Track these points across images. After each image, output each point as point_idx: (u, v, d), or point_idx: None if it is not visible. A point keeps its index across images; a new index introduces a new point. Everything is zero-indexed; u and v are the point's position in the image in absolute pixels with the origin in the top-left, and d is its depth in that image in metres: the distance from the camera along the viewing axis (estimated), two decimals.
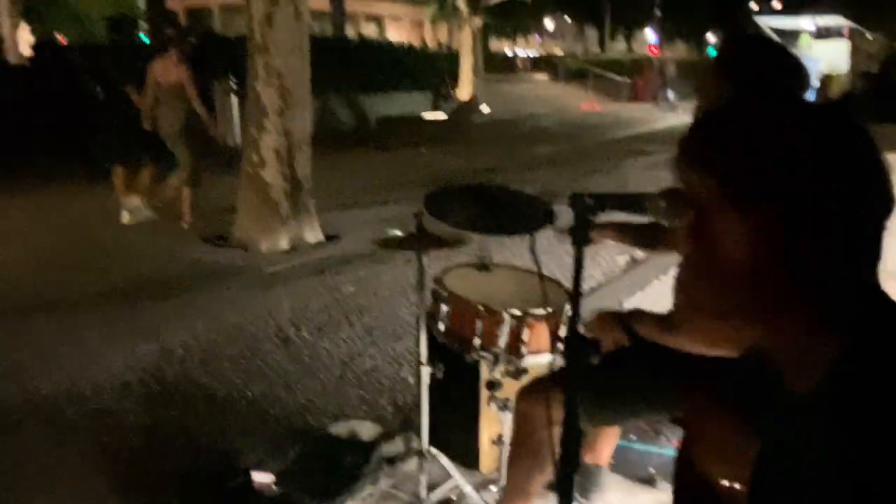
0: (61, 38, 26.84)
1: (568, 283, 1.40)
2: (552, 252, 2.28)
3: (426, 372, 2.40)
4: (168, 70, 7.05)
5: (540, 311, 2.28)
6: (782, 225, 0.84)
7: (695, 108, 2.05)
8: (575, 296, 1.32)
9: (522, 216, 2.58)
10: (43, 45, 14.58)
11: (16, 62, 16.26)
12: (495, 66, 31.23)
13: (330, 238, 6.88)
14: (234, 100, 13.26)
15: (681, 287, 1.12)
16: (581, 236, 1.32)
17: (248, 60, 6.54)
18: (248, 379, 3.82)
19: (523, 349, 2.29)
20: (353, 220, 7.55)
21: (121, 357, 4.12)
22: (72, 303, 5.14)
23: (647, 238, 2.23)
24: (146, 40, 27.84)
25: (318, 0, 31.60)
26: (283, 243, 6.53)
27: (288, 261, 6.22)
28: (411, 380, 3.74)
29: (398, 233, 2.35)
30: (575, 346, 1.28)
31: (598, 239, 2.34)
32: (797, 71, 1.87)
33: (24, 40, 16.71)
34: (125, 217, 7.45)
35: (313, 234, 6.78)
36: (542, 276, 1.64)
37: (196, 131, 7.41)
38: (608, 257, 6.03)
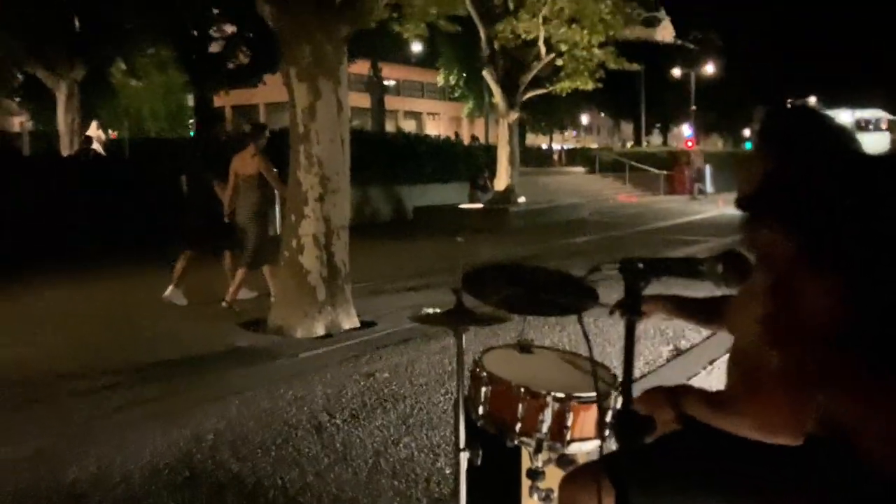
0: (112, 134, 28.09)
1: (615, 366, 1.31)
2: (597, 334, 2.18)
3: (464, 458, 2.27)
4: (245, 163, 7.48)
5: (586, 395, 2.15)
6: (875, 286, 0.76)
7: (738, 192, 1.98)
8: (627, 369, 1.23)
9: (563, 297, 2.50)
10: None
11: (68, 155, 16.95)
12: (532, 159, 31.69)
13: (366, 324, 6.83)
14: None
15: (737, 363, 1.03)
16: (632, 305, 1.24)
17: (290, 150, 6.68)
18: (278, 466, 3.70)
19: (567, 435, 2.15)
20: (390, 307, 7.51)
21: (151, 442, 4.04)
22: (107, 386, 5.11)
23: (702, 312, 2.12)
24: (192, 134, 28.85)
25: (360, 98, 32.81)
26: (319, 329, 6.49)
27: (323, 347, 6.15)
28: (448, 471, 3.59)
29: (436, 310, 2.28)
30: (628, 424, 1.18)
31: (649, 313, 2.25)
32: (843, 133, 1.80)
33: (96, 136, 17.60)
34: (171, 295, 7.85)
35: (349, 321, 6.73)
36: (592, 357, 1.55)
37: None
38: (651, 347, 5.87)
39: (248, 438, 4.09)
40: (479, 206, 18.01)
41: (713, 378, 4.97)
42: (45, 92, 20.64)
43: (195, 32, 22.98)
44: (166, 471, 3.67)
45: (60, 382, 5.25)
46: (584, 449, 2.23)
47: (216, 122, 8.81)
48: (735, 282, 1.06)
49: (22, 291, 8.75)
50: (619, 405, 2.16)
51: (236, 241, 7.68)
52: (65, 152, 17.77)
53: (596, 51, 17.08)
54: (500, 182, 18.23)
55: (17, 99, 28.66)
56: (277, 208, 13.37)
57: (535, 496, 2.23)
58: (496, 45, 17.31)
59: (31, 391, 5.06)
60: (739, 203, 1.54)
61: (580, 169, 33.34)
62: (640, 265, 1.23)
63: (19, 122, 33.28)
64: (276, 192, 7.97)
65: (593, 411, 2.20)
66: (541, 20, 16.28)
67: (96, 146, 16.73)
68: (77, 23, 18.07)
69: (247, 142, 7.67)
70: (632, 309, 1.23)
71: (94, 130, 18.38)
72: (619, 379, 2.28)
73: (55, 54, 17.72)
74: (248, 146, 7.56)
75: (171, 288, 7.85)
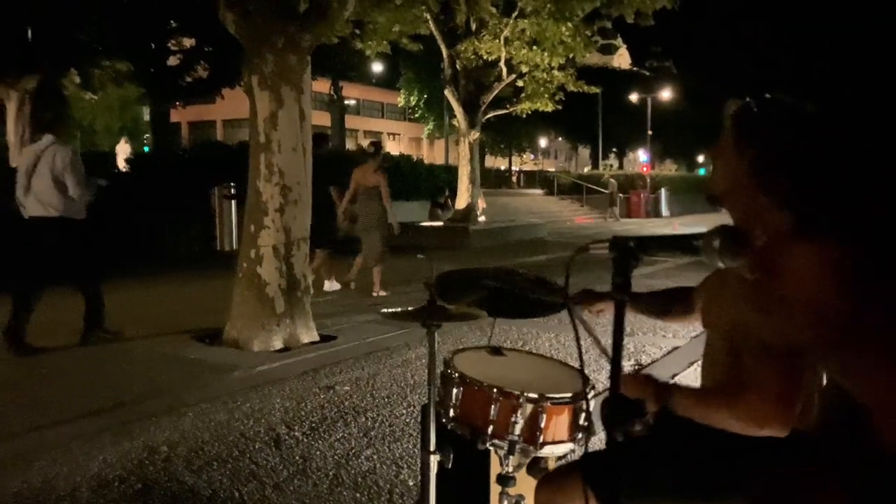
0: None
1: (592, 366, 1.26)
2: (566, 335, 2.13)
3: (434, 460, 2.19)
4: (367, 175, 8.91)
5: (560, 396, 2.10)
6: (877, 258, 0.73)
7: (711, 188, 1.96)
8: (616, 351, 1.18)
9: (535, 300, 2.46)
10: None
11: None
12: (491, 180, 31.89)
13: (326, 338, 6.70)
14: (233, 204, 13.38)
15: (713, 359, 1.00)
16: (623, 284, 1.19)
17: (250, 160, 6.56)
18: (235, 479, 3.56)
19: (540, 437, 2.10)
20: (350, 321, 7.41)
21: (100, 453, 3.87)
22: (54, 396, 4.90)
23: (664, 304, 2.10)
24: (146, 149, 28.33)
25: (321, 116, 32.70)
26: (277, 342, 6.34)
27: (281, 360, 6.00)
28: (411, 482, 3.50)
29: (402, 309, 2.20)
30: (617, 407, 1.13)
31: (606, 309, 2.22)
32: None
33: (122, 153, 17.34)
34: (329, 286, 9.32)
35: (308, 334, 6.60)
36: (578, 343, 1.50)
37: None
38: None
39: (204, 451, 3.94)
40: (440, 224, 18.00)
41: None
42: None
43: (153, 45, 22.62)
44: (117, 483, 3.50)
45: (3, 391, 5.02)
46: (557, 452, 2.18)
47: (325, 142, 9.70)
48: (732, 257, 1.02)
49: None
50: (592, 408, 2.12)
51: (335, 243, 9.16)
52: (13, 164, 17.26)
53: (556, 73, 17.29)
54: (461, 202, 18.26)
55: None
56: (234, 221, 13.23)
57: (505, 502, 2.17)
58: (458, 65, 17.42)
59: None
60: (713, 198, 1.52)
61: (538, 191, 33.66)
62: (632, 243, 1.18)
63: None
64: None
65: (566, 414, 2.15)
66: (502, 41, 16.44)
67: (121, 163, 16.45)
68: (30, 33, 17.62)
69: (367, 158, 9.17)
70: (622, 289, 1.18)
71: (122, 146, 18.08)
72: (591, 382, 2.25)
73: (6, 65, 17.25)
74: (368, 162, 9.04)
75: (326, 282, 9.26)
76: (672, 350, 6.29)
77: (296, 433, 4.25)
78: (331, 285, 9.39)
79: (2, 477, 3.57)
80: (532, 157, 62.06)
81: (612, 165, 49.66)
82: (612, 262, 1.22)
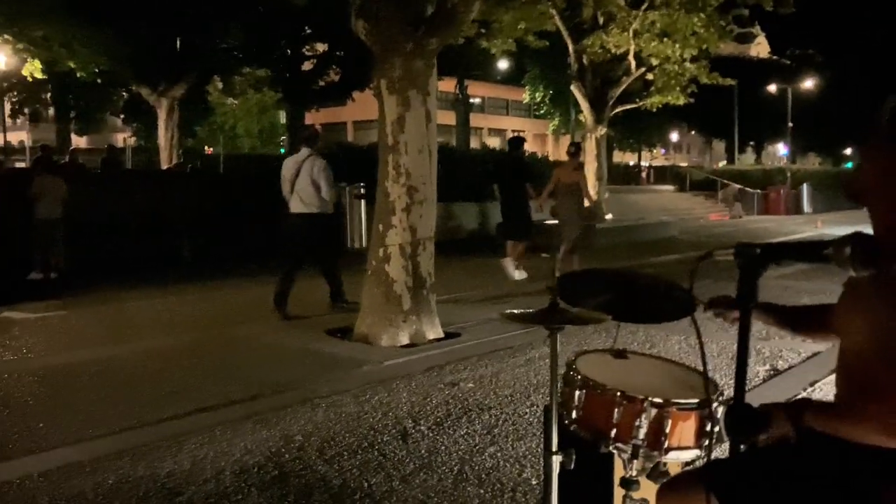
0: (208, 150, 29.27)
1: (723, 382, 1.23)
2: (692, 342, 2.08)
3: (556, 461, 2.20)
4: (568, 173, 10.16)
5: (686, 402, 2.06)
6: None
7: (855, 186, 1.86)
8: (741, 360, 1.16)
9: (661, 304, 2.41)
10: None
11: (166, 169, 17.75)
12: (619, 176, 31.21)
13: (450, 335, 6.82)
14: (363, 203, 13.82)
15: (849, 369, 0.97)
16: (749, 293, 1.16)
17: (378, 161, 6.77)
18: (364, 469, 3.71)
19: (665, 443, 2.06)
20: (474, 319, 7.48)
21: (241, 440, 4.13)
22: (201, 386, 5.27)
23: (803, 320, 1.99)
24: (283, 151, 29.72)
25: (446, 115, 33.19)
26: (404, 338, 6.52)
27: (408, 355, 6.17)
28: (534, 481, 3.51)
29: (525, 310, 2.22)
30: (740, 417, 1.11)
31: (736, 317, 2.12)
32: None
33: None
34: (517, 275, 9.90)
35: (434, 331, 6.74)
36: (704, 359, 1.47)
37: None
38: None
39: (335, 441, 4.13)
40: None
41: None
42: (147, 109, 21.72)
43: (289, 52, 23.71)
44: (256, 469, 3.73)
45: (157, 381, 5.44)
46: (682, 458, 2.14)
47: (520, 144, 10.61)
48: (863, 266, 0.98)
49: (124, 296, 9.17)
50: (720, 414, 2.06)
51: (528, 232, 10.12)
52: (164, 166, 18.60)
53: (688, 65, 16.72)
54: (587, 199, 18.00)
55: (122, 116, 30.25)
56: (364, 220, 13.63)
57: None
58: (585, 60, 17.18)
59: (129, 388, 5.27)
60: (854, 195, 1.45)
61: (669, 187, 32.62)
62: (758, 250, 1.15)
63: (123, 138, 35.09)
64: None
65: (693, 420, 2.10)
66: (631, 34, 16.06)
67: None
68: (178, 44, 18.91)
69: (569, 158, 10.58)
70: (748, 297, 1.16)
71: None
72: (720, 389, 2.19)
73: (157, 74, 18.61)
74: (569, 161, 10.46)
75: (515, 271, 9.89)
76: (812, 356, 5.96)
77: (422, 427, 4.37)
78: (520, 274, 9.96)
79: (156, 458, 3.88)
80: (663, 151, 60.20)
81: (723, 161, 47.27)
82: (738, 268, 1.20)
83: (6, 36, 16.78)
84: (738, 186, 28.52)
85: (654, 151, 55.06)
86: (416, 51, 6.51)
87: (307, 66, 25.05)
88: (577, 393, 2.22)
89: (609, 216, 18.36)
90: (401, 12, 6.50)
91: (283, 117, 34.50)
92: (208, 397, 4.99)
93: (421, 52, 6.54)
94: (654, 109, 19.05)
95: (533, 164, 20.26)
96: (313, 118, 34.95)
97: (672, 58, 16.23)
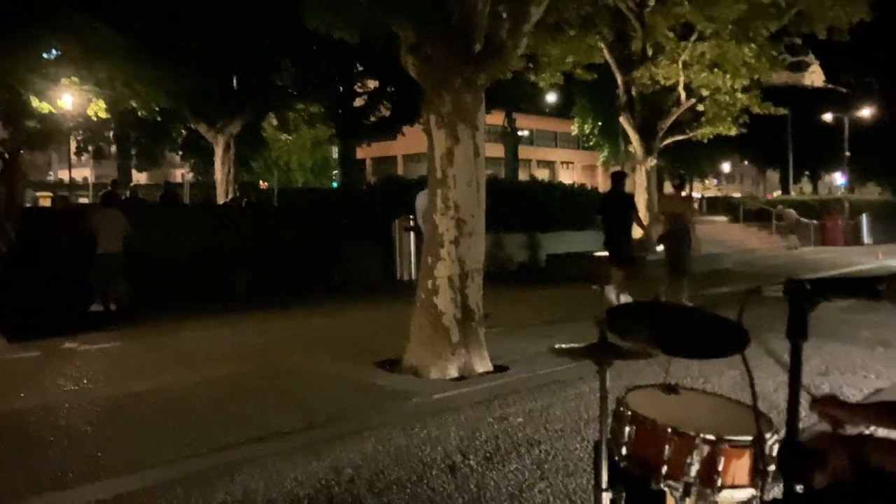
0: (263, 184, 29.92)
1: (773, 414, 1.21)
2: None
3: (606, 498, 2.18)
4: (675, 203, 10.95)
5: (739, 438, 2.02)
6: None
7: None
8: (793, 397, 1.14)
9: (712, 339, 2.38)
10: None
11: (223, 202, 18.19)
12: None
13: (499, 368, 6.79)
14: (412, 236, 13.94)
15: None
16: (799, 328, 1.15)
17: (427, 194, 6.85)
18: (413, 503, 3.70)
19: (718, 480, 2.02)
20: (523, 352, 7.44)
21: (292, 471, 4.17)
22: (252, 416, 5.35)
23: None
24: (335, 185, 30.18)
25: (494, 148, 33.31)
26: (453, 371, 6.52)
27: (457, 388, 6.16)
28: None
29: (574, 345, 2.22)
30: (794, 456, 1.09)
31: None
32: None
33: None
34: (621, 299, 10.08)
35: (482, 364, 6.72)
36: (754, 396, 1.45)
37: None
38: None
39: (385, 474, 4.14)
40: None
41: None
42: (204, 146, 22.36)
43: (341, 88, 24.22)
44: (306, 501, 3.76)
45: (211, 411, 5.54)
46: (736, 497, 2.09)
47: (623, 178, 11.29)
48: None
49: (180, 327, 9.39)
50: (777, 448, 2.01)
51: (630, 261, 10.75)
52: (220, 200, 19.06)
53: (739, 95, 16.53)
54: (637, 230, 17.82)
55: (181, 152, 31.18)
56: (413, 251, 13.73)
57: None
58: (633, 92, 17.13)
59: (184, 418, 5.38)
60: None
61: (722, 218, 32.04)
62: (808, 285, 1.14)
63: (181, 174, 36.12)
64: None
65: (747, 457, 2.06)
66: (681, 65, 15.98)
67: None
68: (235, 82, 19.48)
69: (675, 190, 11.37)
70: (798, 333, 1.15)
71: None
72: (775, 426, 2.14)
73: (215, 112, 19.18)
74: (675, 192, 11.30)
75: (620, 296, 10.25)
76: (874, 392, 5.76)
77: (471, 462, 4.35)
78: (625, 298, 10.26)
79: (209, 488, 3.95)
80: (715, 182, 59.33)
81: (800, 189, 46.26)
82: (787, 303, 1.19)
83: (74, 78, 17.54)
84: (795, 216, 27.87)
85: (707, 182, 54.29)
86: (464, 86, 6.60)
87: (359, 101, 25.54)
88: (628, 429, 2.20)
89: (660, 248, 18.10)
90: (450, 49, 6.61)
91: (335, 152, 35.13)
92: (261, 428, 5.06)
93: (469, 87, 6.63)
94: (706, 140, 18.84)
95: (580, 195, 20.24)
96: (365, 152, 35.54)
97: (723, 88, 16.07)
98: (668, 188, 42.88)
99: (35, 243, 10.11)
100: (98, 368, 7.15)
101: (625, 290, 10.48)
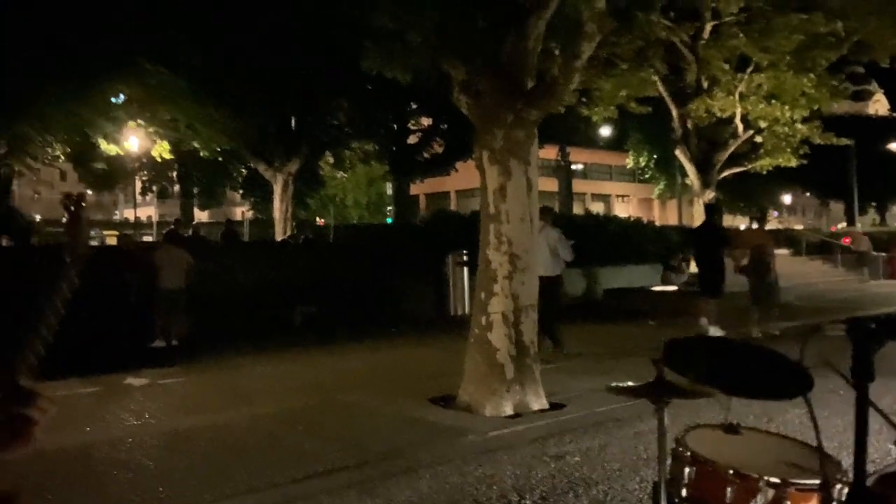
0: (319, 221, 30.44)
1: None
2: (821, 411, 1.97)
3: None
4: (758, 237, 11.86)
5: (806, 482, 1.95)
6: None
7: None
8: (860, 442, 1.10)
9: (775, 379, 2.30)
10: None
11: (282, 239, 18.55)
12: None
13: (555, 406, 6.69)
14: (465, 271, 13.96)
15: None
16: (864, 370, 1.11)
17: (480, 230, 6.86)
18: None
19: None
20: (579, 389, 7.32)
21: None
22: (308, 452, 5.37)
23: None
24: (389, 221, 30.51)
25: (548, 182, 33.28)
26: (507, 408, 6.44)
27: (512, 426, 6.09)
28: None
29: (631, 383, 2.18)
30: (861, 502, 1.05)
31: None
32: None
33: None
34: (713, 332, 10.37)
35: (538, 401, 6.63)
36: (819, 439, 1.40)
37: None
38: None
39: None
40: (673, 288, 17.32)
41: None
42: (263, 184, 22.91)
43: (395, 126, 24.61)
44: None
45: (267, 446, 5.59)
46: None
47: (715, 210, 12.10)
48: None
49: (239, 362, 9.54)
50: (846, 494, 1.93)
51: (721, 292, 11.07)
52: (278, 237, 19.45)
53: (799, 126, 16.19)
54: (695, 264, 17.49)
55: (241, 191, 32.02)
56: (466, 286, 13.72)
57: None
58: (689, 124, 16.95)
59: (241, 454, 5.44)
60: None
61: (784, 251, 31.20)
62: (872, 325, 1.11)
63: (241, 212, 37.02)
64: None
65: (814, 502, 1.98)
66: (737, 97, 15.77)
67: None
68: (293, 123, 19.99)
69: (755, 226, 12.54)
70: (864, 375, 1.11)
71: None
72: (843, 469, 2.05)
73: (273, 151, 19.69)
74: (757, 226, 12.53)
75: (711, 327, 10.64)
76: None
77: (526, 501, 4.28)
78: (714, 330, 10.62)
79: None
80: (776, 214, 57.96)
81: (876, 220, 44.79)
82: (851, 343, 1.15)
83: (139, 121, 18.28)
84: (868, 243, 26.94)
85: (767, 214, 53.06)
86: (516, 122, 6.63)
87: (412, 139, 25.89)
88: (688, 470, 2.14)
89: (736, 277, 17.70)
90: (501, 86, 6.66)
91: (389, 188, 35.58)
92: (316, 463, 5.08)
93: (521, 123, 6.65)
94: (765, 172, 18.47)
95: (636, 229, 19.99)
96: (418, 188, 35.85)
97: (781, 119, 15.77)
98: (727, 220, 42.07)
99: (99, 280, 10.46)
100: (159, 403, 7.30)
101: (717, 322, 10.81)
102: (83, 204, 1.23)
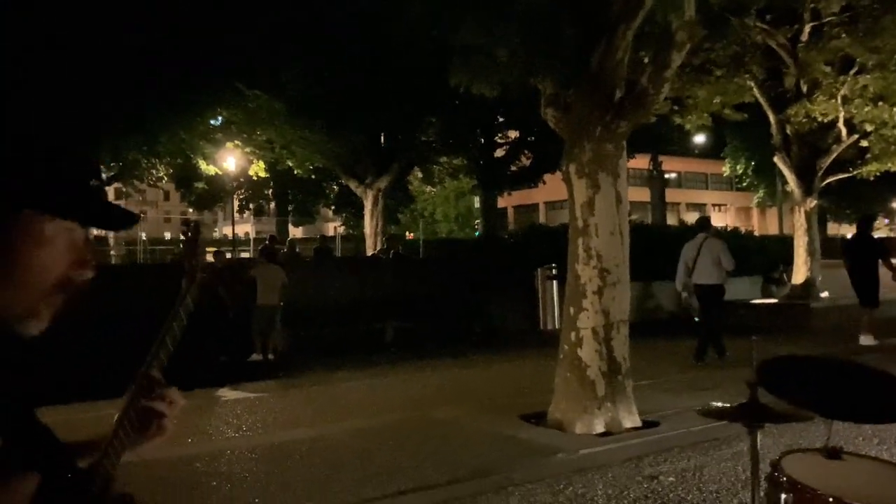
0: (409, 235, 30.86)
1: None
2: None
3: None
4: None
5: None
6: None
7: None
8: None
9: (878, 401, 2.18)
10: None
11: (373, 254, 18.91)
12: (834, 250, 28.74)
13: (648, 424, 6.52)
14: (555, 285, 13.82)
15: None
16: None
17: (568, 244, 6.78)
18: None
19: None
20: (674, 406, 7.12)
21: None
22: (397, 468, 5.43)
23: None
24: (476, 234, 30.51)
25: (640, 192, 32.61)
26: (599, 426, 6.33)
27: (604, 444, 5.98)
28: None
29: (723, 405, 2.10)
30: None
31: None
32: None
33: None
34: (866, 341, 10.94)
35: (630, 419, 6.48)
36: None
37: None
38: None
39: None
40: (774, 301, 16.64)
41: None
42: (355, 200, 23.45)
43: (483, 140, 24.71)
44: None
45: (360, 461, 5.68)
46: None
47: (870, 222, 12.49)
48: None
49: (333, 377, 9.75)
50: None
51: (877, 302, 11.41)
52: (369, 252, 19.82)
53: None
54: (798, 276, 16.73)
55: (333, 207, 32.85)
56: (556, 300, 13.59)
57: None
58: (788, 130, 16.27)
59: (335, 468, 5.55)
60: None
61: (895, 261, 29.48)
62: None
63: (334, 227, 37.97)
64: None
65: None
66: (840, 101, 15.03)
67: None
68: (383, 140, 20.40)
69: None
70: None
71: None
72: None
73: (364, 169, 20.14)
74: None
75: (863, 337, 10.92)
76: None
77: None
78: (867, 339, 10.91)
79: None
80: (885, 221, 54.81)
81: None
82: None
83: (237, 142, 19.08)
84: None
85: (876, 222, 50.26)
86: (604, 134, 6.53)
87: (500, 152, 25.91)
88: (784, 496, 2.05)
89: (824, 294, 16.86)
90: (589, 98, 6.59)
91: (477, 201, 35.71)
92: (407, 480, 5.13)
93: (610, 135, 6.56)
94: (872, 177, 17.51)
95: (734, 240, 19.29)
96: (506, 201, 35.85)
97: (890, 122, 14.91)
98: (832, 229, 40.13)
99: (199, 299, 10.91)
100: (256, 417, 7.54)
101: (870, 332, 11.00)
102: (200, 230, 1.32)
